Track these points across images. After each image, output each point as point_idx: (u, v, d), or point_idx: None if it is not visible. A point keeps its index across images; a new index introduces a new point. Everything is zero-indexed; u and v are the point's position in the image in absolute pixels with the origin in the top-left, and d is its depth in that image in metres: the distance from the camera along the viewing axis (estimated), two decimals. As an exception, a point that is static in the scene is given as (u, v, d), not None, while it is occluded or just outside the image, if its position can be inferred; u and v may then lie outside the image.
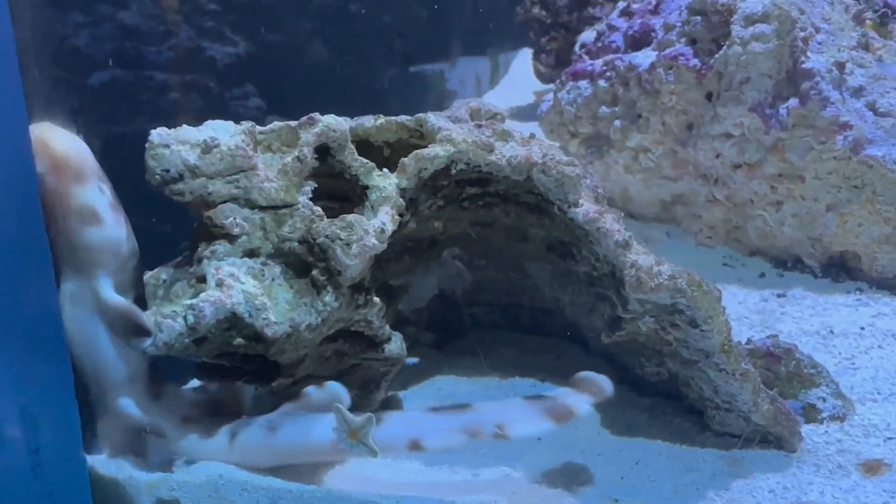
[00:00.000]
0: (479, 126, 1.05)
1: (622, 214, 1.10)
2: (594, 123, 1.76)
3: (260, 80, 1.91)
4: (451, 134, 0.99)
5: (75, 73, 1.52)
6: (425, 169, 0.98)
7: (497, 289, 1.30)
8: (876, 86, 1.43)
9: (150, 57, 1.66)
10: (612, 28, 1.83)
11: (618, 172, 1.73)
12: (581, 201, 0.99)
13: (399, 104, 2.59)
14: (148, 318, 0.90)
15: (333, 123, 0.94)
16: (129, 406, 0.94)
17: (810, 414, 0.99)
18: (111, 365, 0.91)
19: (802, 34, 1.44)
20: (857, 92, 1.43)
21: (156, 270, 0.96)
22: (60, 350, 0.83)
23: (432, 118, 1.02)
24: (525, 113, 2.86)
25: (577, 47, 1.94)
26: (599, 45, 1.83)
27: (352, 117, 2.59)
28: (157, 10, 1.74)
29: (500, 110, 1.31)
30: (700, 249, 1.63)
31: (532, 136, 1.06)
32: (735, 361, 0.89)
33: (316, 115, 0.95)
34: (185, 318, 0.88)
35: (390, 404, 1.11)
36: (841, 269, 1.45)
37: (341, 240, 0.89)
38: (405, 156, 1.05)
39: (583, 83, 1.79)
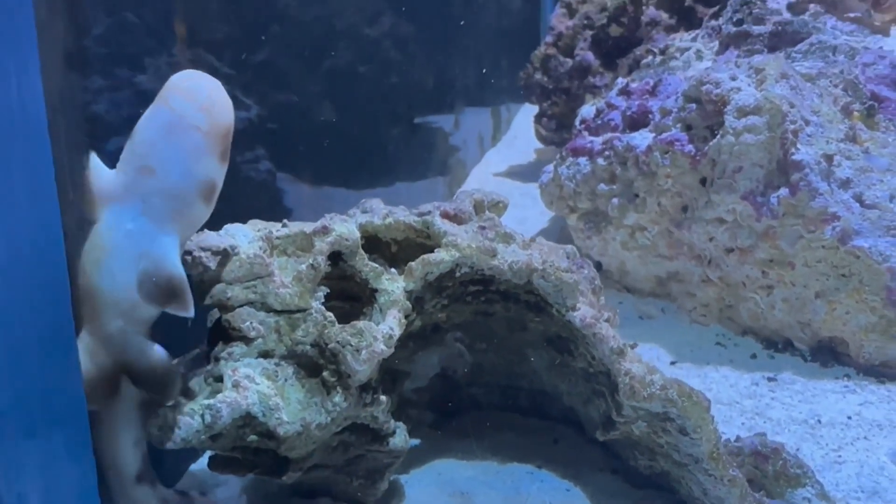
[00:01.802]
0: (483, 228, 1.11)
1: (616, 314, 1.15)
2: (593, 199, 1.82)
3: (270, 142, 1.97)
4: (455, 239, 1.05)
5: (95, 139, 1.58)
6: (431, 273, 1.03)
7: (497, 371, 1.35)
8: (863, 178, 1.50)
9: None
10: (611, 106, 1.90)
11: (615, 248, 1.79)
12: (579, 305, 1.04)
13: (405, 162, 2.67)
14: (166, 413, 0.95)
15: (346, 232, 1.00)
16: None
17: (795, 514, 1.03)
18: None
19: (792, 127, 1.50)
20: (845, 184, 1.49)
21: (173, 363, 1.01)
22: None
23: (438, 222, 1.07)
24: (526, 172, 2.93)
25: (577, 121, 2.01)
26: (599, 122, 1.90)
27: (359, 175, 2.65)
28: (172, 73, 1.80)
29: (503, 198, 1.37)
30: (694, 326, 1.68)
31: (533, 239, 1.11)
32: (723, 468, 0.94)
33: (329, 223, 1.01)
34: (202, 416, 0.93)
35: (392, 491, 1.15)
36: (829, 354, 1.50)
37: (352, 346, 0.94)
38: (412, 251, 1.11)
39: (582, 160, 1.85)
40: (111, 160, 1.65)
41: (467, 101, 3.05)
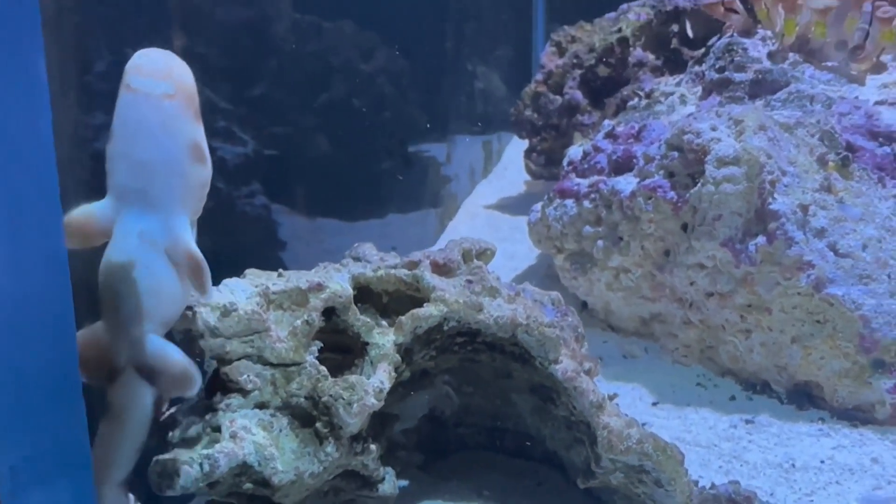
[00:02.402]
0: (470, 282, 1.16)
1: (597, 364, 1.20)
2: (579, 241, 1.88)
3: (266, 176, 2.02)
4: (444, 294, 1.10)
5: (96, 177, 1.62)
6: (420, 326, 1.08)
7: (483, 413, 1.40)
8: (837, 227, 1.56)
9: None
10: (597, 149, 1.97)
11: (600, 289, 1.84)
12: (561, 359, 1.09)
13: (398, 195, 2.72)
14: (166, 460, 0.99)
15: (339, 290, 1.05)
16: None
17: (767, 560, 1.08)
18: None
19: (770, 177, 1.56)
20: (820, 233, 1.55)
21: (171, 411, 1.06)
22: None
23: (427, 276, 1.13)
24: (516, 205, 2.99)
25: (565, 162, 2.07)
26: (586, 165, 1.96)
27: (353, 207, 2.69)
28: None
29: (490, 245, 1.43)
30: (676, 367, 1.73)
31: (518, 293, 1.17)
32: (696, 518, 0.99)
33: (324, 279, 1.06)
34: (201, 465, 0.97)
35: (382, 533, 1.19)
36: (805, 398, 1.55)
37: (343, 399, 0.99)
38: (403, 302, 1.16)
39: (569, 202, 1.91)
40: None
41: (459, 134, 3.12)
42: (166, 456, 0.99)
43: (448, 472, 1.36)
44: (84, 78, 1.60)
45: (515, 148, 3.34)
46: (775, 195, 1.56)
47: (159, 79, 0.83)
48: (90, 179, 1.43)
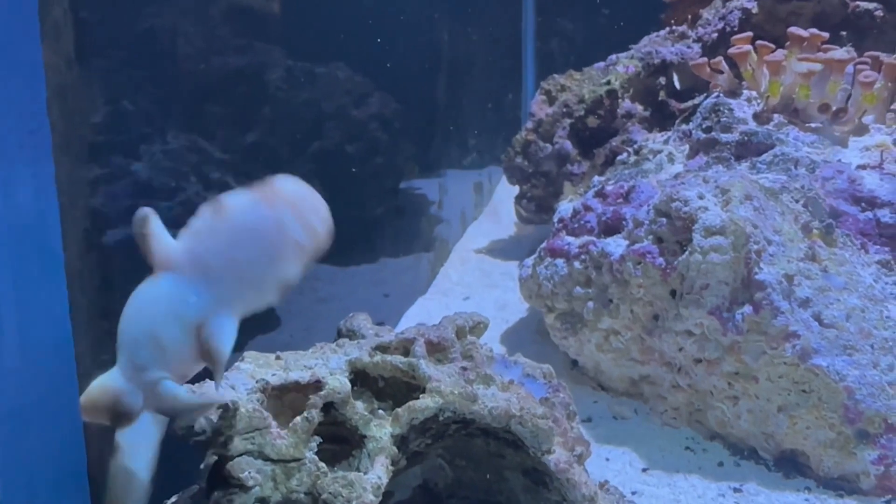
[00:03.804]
0: (465, 370, 1.19)
1: (589, 447, 1.23)
2: (569, 301, 1.91)
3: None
4: (439, 386, 1.12)
5: (93, 233, 1.64)
6: (416, 418, 1.11)
7: (476, 486, 1.42)
8: (821, 297, 1.59)
9: (160, 213, 1.79)
10: (587, 209, 2.00)
11: (590, 349, 1.87)
12: (554, 449, 1.12)
13: (390, 240, 2.75)
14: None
15: (338, 386, 1.07)
16: None
17: None
18: None
19: (756, 247, 1.60)
20: (805, 303, 1.58)
21: (172, 501, 1.08)
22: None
23: (423, 366, 1.15)
24: (507, 248, 3.03)
25: (556, 219, 2.10)
26: (576, 224, 2.00)
27: (345, 253, 2.72)
28: (168, 162, 1.87)
29: (483, 318, 1.46)
30: (665, 429, 1.76)
31: (511, 382, 1.19)
32: None
33: (322, 377, 1.08)
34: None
35: None
36: (792, 466, 1.58)
37: (343, 497, 1.01)
38: (398, 386, 1.19)
39: (560, 261, 1.94)
40: (104, 251, 1.68)
41: (451, 178, 3.16)
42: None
43: (441, 545, 1.38)
44: (82, 131, 1.63)
45: (506, 186, 3.37)
46: (761, 265, 1.60)
47: (303, 227, 0.91)
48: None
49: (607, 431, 1.77)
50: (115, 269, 1.62)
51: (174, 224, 1.84)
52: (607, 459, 1.66)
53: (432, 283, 2.72)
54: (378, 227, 2.68)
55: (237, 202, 0.92)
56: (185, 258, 0.93)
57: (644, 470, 1.62)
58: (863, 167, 1.89)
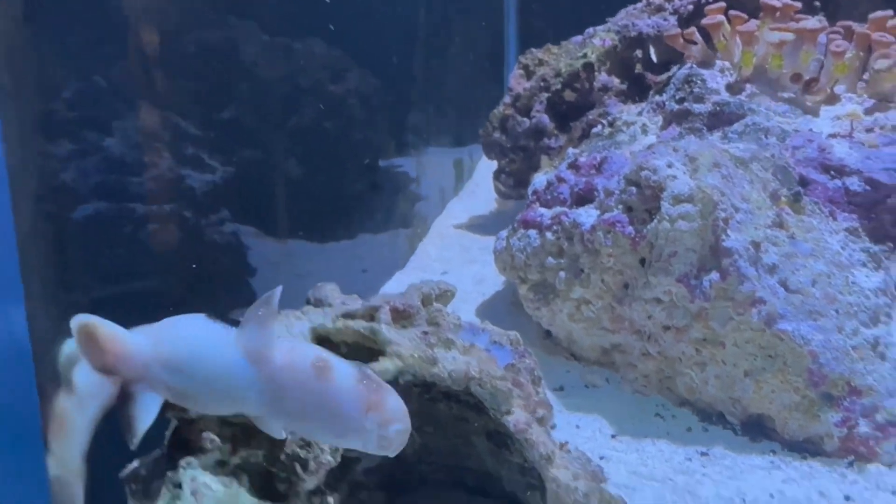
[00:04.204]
0: (426, 334, 1.19)
1: (551, 410, 1.24)
2: (542, 272, 1.92)
3: (236, 202, 2.04)
4: (399, 349, 1.13)
5: (62, 208, 1.63)
6: (376, 381, 1.11)
7: (444, 452, 1.43)
8: (788, 263, 1.61)
9: (133, 189, 1.79)
10: (560, 180, 2.00)
11: (563, 319, 1.88)
12: (513, 410, 1.13)
13: (368, 216, 2.75)
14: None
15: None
16: None
17: None
18: None
19: (723, 215, 1.61)
20: (771, 269, 1.60)
21: (134, 465, 1.08)
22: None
23: (384, 330, 1.16)
24: (486, 224, 3.03)
25: (530, 191, 2.10)
26: (549, 196, 2.00)
27: (323, 230, 2.71)
28: (141, 138, 1.86)
29: (450, 287, 1.46)
30: (636, 396, 1.78)
31: (472, 346, 1.20)
32: (640, 568, 1.03)
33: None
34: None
35: (342, 577, 1.22)
36: (758, 430, 1.60)
37: (301, 458, 1.02)
38: (362, 352, 1.19)
39: (532, 233, 1.95)
40: (75, 226, 1.68)
41: (430, 153, 3.15)
42: (127, 512, 1.02)
43: (411, 510, 1.40)
44: (49, 105, 1.61)
45: (487, 164, 3.38)
46: (728, 232, 1.60)
47: (376, 441, 0.91)
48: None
49: (579, 400, 1.78)
50: (85, 245, 1.62)
51: (143, 200, 1.81)
52: (577, 426, 1.68)
53: (410, 259, 2.73)
54: (356, 204, 2.68)
55: (342, 376, 0.90)
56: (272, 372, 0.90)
57: (613, 436, 1.64)
58: (833, 136, 1.90)
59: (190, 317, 0.93)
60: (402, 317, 1.29)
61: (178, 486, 1.03)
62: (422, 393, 1.21)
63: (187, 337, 0.91)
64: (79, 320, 0.90)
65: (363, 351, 1.19)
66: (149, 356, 0.91)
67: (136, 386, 0.92)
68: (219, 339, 0.90)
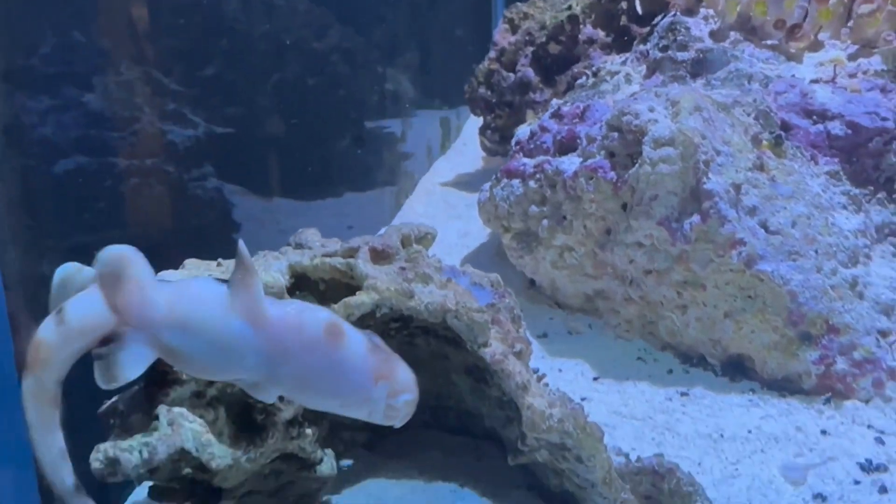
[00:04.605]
0: (403, 269, 1.19)
1: (529, 346, 1.25)
2: (525, 220, 1.92)
3: (219, 158, 2.03)
4: (375, 282, 1.13)
5: (42, 161, 1.62)
6: (352, 314, 1.11)
7: (426, 392, 1.43)
8: (768, 205, 1.61)
9: (114, 143, 1.78)
10: (543, 129, 2.00)
11: (546, 267, 1.88)
12: (490, 342, 1.13)
13: (353, 173, 2.74)
14: (107, 448, 1.02)
15: (270, 280, 1.08)
16: None
17: (687, 528, 1.14)
18: None
19: (704, 157, 1.61)
20: (751, 211, 1.60)
21: (112, 401, 1.09)
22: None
23: (361, 265, 1.16)
24: (473, 182, 3.02)
25: (513, 142, 2.10)
26: (532, 145, 2.00)
27: (308, 187, 2.70)
28: (122, 93, 1.84)
29: (431, 230, 1.46)
30: (618, 342, 1.79)
31: (449, 280, 1.20)
32: (615, 492, 1.04)
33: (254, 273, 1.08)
34: (140, 452, 1.01)
35: (325, 511, 1.24)
36: (738, 370, 1.61)
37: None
38: (340, 289, 1.20)
39: (515, 182, 1.94)
40: (56, 181, 1.67)
41: (416, 111, 3.13)
42: (107, 444, 1.02)
43: (392, 450, 1.41)
44: (29, 62, 1.59)
45: (474, 124, 3.36)
46: (709, 175, 1.61)
47: (384, 410, 0.89)
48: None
49: (562, 346, 1.80)
50: (66, 199, 1.61)
51: (125, 155, 1.79)
52: (560, 370, 1.69)
53: (397, 215, 2.72)
54: (341, 161, 2.66)
55: (354, 343, 0.88)
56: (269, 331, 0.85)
57: (595, 379, 1.65)
58: (816, 82, 1.90)
59: (205, 283, 0.88)
60: (380, 257, 1.29)
61: (155, 417, 1.03)
62: (400, 329, 1.22)
63: (199, 308, 0.86)
64: (112, 252, 0.84)
65: (341, 287, 1.19)
66: (159, 316, 0.86)
67: (134, 335, 0.87)
68: (219, 302, 0.85)
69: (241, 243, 0.85)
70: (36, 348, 0.92)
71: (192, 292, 0.87)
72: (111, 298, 0.86)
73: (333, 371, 0.85)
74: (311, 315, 0.85)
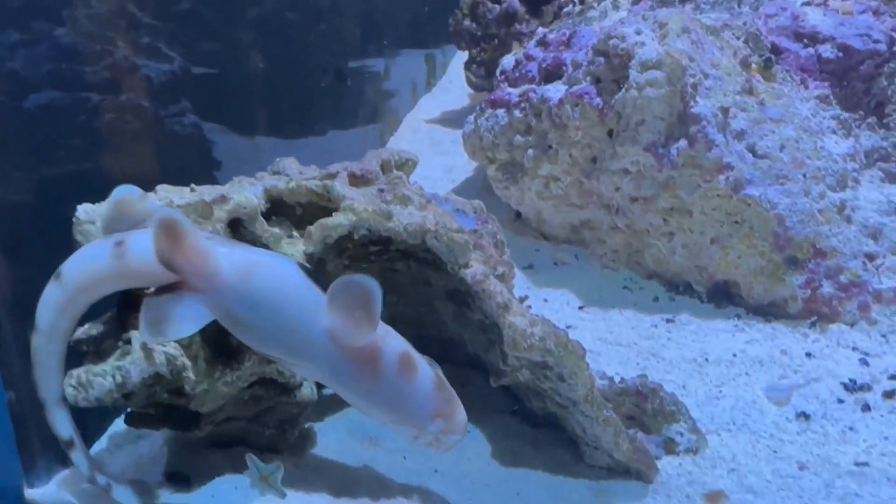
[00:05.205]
0: (381, 191, 1.16)
1: (512, 268, 1.23)
2: (510, 151, 1.88)
3: (197, 94, 1.97)
4: (353, 203, 1.10)
5: (12, 97, 1.57)
6: (329, 236, 1.09)
7: (408, 321, 1.42)
8: (756, 129, 1.58)
9: (87, 78, 1.72)
10: (529, 58, 1.95)
11: (531, 197, 1.85)
12: (471, 263, 1.11)
13: (336, 110, 2.68)
14: (80, 373, 1.00)
15: (244, 201, 1.04)
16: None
17: (669, 447, 1.14)
18: None
19: (692, 80, 1.57)
20: (739, 135, 1.57)
21: (87, 326, 1.06)
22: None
23: (338, 186, 1.13)
24: (459, 119, 2.95)
25: (498, 72, 2.05)
26: (517, 74, 1.95)
27: (289, 124, 2.65)
28: (94, 27, 1.78)
29: (412, 156, 1.43)
30: (605, 272, 1.77)
31: (429, 201, 1.17)
32: (598, 409, 1.03)
33: (227, 192, 1.05)
34: (113, 377, 0.99)
35: (305, 437, 1.22)
36: (724, 296, 1.60)
37: (251, 309, 0.99)
38: (316, 214, 1.17)
39: (500, 112, 1.90)
40: (28, 116, 1.62)
41: (399, 47, 3.05)
42: (80, 370, 1.00)
43: (376, 379, 1.39)
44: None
45: (461, 62, 3.29)
46: (697, 98, 1.57)
47: (429, 433, 0.89)
48: None
49: (548, 277, 1.78)
50: (37, 134, 1.56)
51: (98, 90, 1.74)
52: (546, 300, 1.67)
53: (381, 153, 2.67)
54: (323, 98, 2.61)
55: (423, 378, 0.89)
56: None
57: (581, 308, 1.64)
58: (807, 4, 1.85)
59: (284, 263, 0.87)
60: (360, 182, 1.26)
61: (128, 341, 1.01)
62: (380, 253, 1.19)
63: (280, 288, 0.85)
64: (164, 217, 0.82)
65: (318, 211, 1.16)
66: (229, 284, 0.84)
67: (195, 294, 0.85)
68: (310, 304, 0.84)
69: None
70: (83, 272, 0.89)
71: (271, 271, 0.85)
72: (169, 257, 0.83)
73: (398, 400, 0.87)
74: (389, 342, 0.86)
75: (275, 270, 0.85)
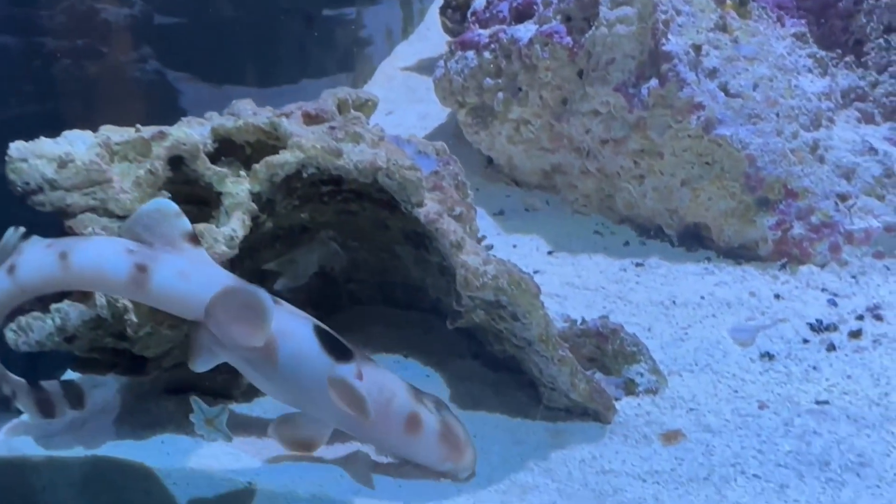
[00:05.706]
0: (333, 129, 1.12)
1: (471, 209, 1.19)
2: (480, 94, 1.83)
3: (159, 40, 1.91)
4: (300, 140, 1.06)
5: None
6: (276, 174, 1.05)
7: (371, 268, 1.39)
8: (729, 67, 1.53)
9: (42, 22, 1.66)
10: (500, -2, 1.89)
11: (502, 142, 1.81)
12: (424, 202, 1.07)
13: (307, 58, 2.61)
14: (21, 318, 0.97)
15: (183, 137, 1.00)
16: None
17: (630, 387, 1.12)
18: None
19: (664, 17, 1.52)
20: (712, 73, 1.52)
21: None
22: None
23: (285, 123, 1.09)
24: (433, 67, 2.90)
25: (469, 13, 1.99)
26: (488, 14, 1.89)
27: (259, 72, 2.58)
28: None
29: (371, 96, 1.39)
30: (576, 217, 1.74)
31: (382, 139, 1.13)
32: (553, 349, 1.01)
33: (166, 129, 1.01)
34: (52, 319, 0.96)
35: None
36: (694, 239, 1.57)
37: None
38: (266, 153, 1.12)
39: (470, 54, 1.85)
40: None
41: (374, -3, 2.97)
42: (23, 316, 0.97)
43: (340, 327, 1.35)
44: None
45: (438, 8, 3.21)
46: (669, 36, 1.52)
47: (445, 466, 1.00)
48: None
49: (518, 222, 1.74)
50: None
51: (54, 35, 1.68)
52: (514, 246, 1.64)
53: (355, 101, 2.61)
54: (293, 45, 2.54)
55: (429, 433, 0.98)
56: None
57: (550, 253, 1.61)
58: (786, -61, 1.78)
59: (306, 323, 0.99)
60: (314, 121, 1.21)
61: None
62: (332, 193, 1.15)
63: (295, 354, 0.95)
64: (250, 295, 0.92)
65: (268, 150, 1.11)
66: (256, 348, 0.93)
67: (217, 343, 0.93)
68: (321, 368, 0.94)
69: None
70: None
71: (297, 346, 0.95)
72: (236, 340, 0.91)
73: (407, 451, 0.99)
74: (398, 403, 0.96)
75: (299, 346, 0.95)
